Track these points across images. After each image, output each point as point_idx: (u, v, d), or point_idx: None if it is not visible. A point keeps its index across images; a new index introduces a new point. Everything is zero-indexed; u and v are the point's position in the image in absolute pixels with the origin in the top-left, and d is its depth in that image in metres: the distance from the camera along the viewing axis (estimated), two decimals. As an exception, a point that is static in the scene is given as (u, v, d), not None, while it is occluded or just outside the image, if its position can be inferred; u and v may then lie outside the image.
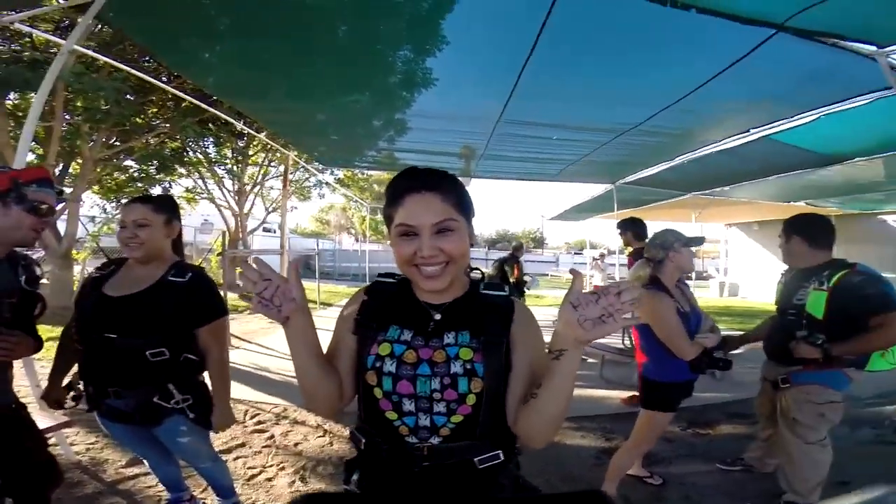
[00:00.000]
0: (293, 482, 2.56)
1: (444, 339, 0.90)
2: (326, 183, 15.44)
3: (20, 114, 6.58)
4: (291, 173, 11.73)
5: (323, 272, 13.07)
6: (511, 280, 6.21)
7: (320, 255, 15.62)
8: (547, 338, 0.89)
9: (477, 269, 1.03)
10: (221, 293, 1.85)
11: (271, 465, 2.75)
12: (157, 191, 9.36)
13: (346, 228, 31.96)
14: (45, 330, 5.35)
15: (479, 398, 0.86)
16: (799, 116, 3.56)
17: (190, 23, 2.71)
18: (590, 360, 5.01)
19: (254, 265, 0.82)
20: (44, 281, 7.56)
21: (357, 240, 28.73)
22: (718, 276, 16.56)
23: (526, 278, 6.75)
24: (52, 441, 2.64)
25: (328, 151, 6.98)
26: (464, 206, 0.91)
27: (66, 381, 1.75)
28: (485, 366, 0.87)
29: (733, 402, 4.02)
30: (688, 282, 2.51)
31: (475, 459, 0.88)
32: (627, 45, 2.66)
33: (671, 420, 2.31)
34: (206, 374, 1.75)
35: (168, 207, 1.69)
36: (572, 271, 0.88)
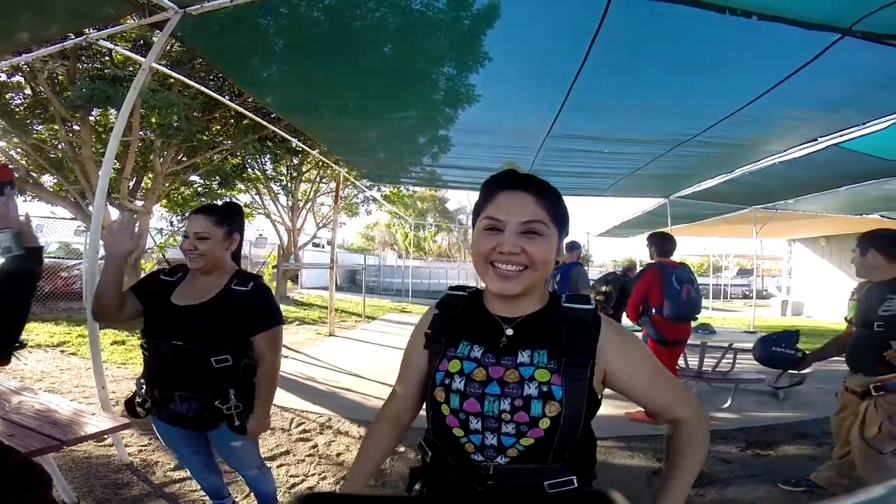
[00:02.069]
0: (333, 491, 2.58)
1: (519, 358, 0.85)
2: (374, 199, 15.88)
3: (100, 129, 7.25)
4: (342, 190, 12.16)
5: (368, 287, 13.35)
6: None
7: (366, 269, 16.01)
8: None
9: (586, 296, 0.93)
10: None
11: (313, 474, 2.78)
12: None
13: (390, 244, 32.60)
14: (110, 335, 5.71)
15: (555, 422, 0.81)
16: (871, 123, 3.34)
17: (251, 42, 2.90)
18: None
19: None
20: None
21: (400, 256, 29.21)
22: (780, 295, 15.45)
23: None
24: (108, 441, 2.80)
25: (376, 168, 7.20)
26: (558, 217, 0.87)
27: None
28: (564, 389, 0.81)
29: (797, 422, 3.78)
30: (748, 300, 2.47)
31: (545, 483, 0.84)
32: (683, 55, 2.59)
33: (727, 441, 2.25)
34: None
35: (230, 219, 1.71)
36: None
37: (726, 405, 4.09)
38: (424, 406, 0.96)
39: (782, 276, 16.64)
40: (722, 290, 23.28)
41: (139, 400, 1.66)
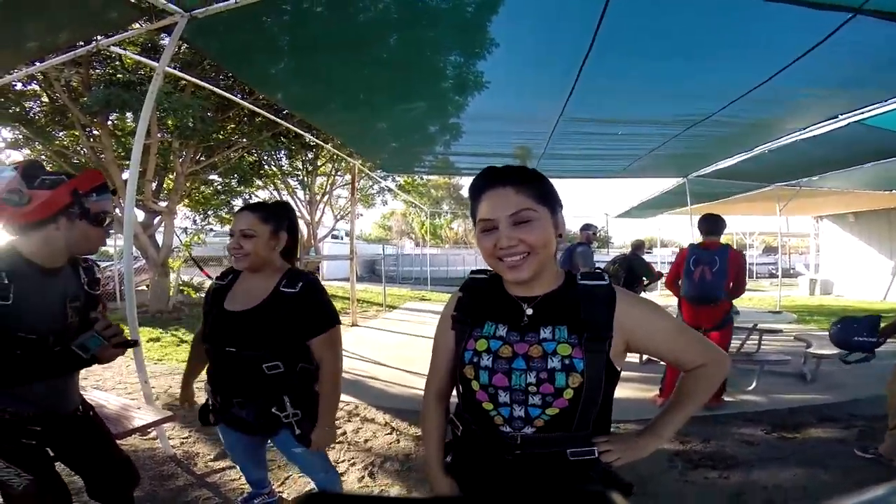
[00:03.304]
0: (362, 477, 2.66)
1: (541, 334, 0.91)
2: (389, 189, 15.95)
3: (119, 133, 7.41)
4: (357, 181, 12.27)
5: (387, 276, 13.50)
6: (651, 279, 5.73)
7: (385, 259, 16.16)
8: None
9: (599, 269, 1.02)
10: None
11: (343, 461, 2.86)
12: (238, 203, 10.11)
13: (407, 233, 32.76)
14: (145, 332, 5.91)
15: (578, 392, 0.87)
16: (893, 100, 3.27)
17: (258, 41, 2.93)
18: (661, 363, 4.73)
19: None
20: (142, 287, 8.41)
21: (417, 244, 29.35)
22: (808, 273, 14.93)
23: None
24: (152, 435, 2.93)
25: (389, 159, 7.22)
26: (544, 197, 0.91)
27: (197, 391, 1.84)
28: (585, 361, 0.87)
29: (824, 405, 3.68)
30: (774, 279, 2.43)
31: (567, 451, 0.90)
32: (693, 36, 2.55)
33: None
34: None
35: (277, 217, 1.62)
36: None
37: (751, 387, 4.02)
38: (455, 382, 1.02)
39: (810, 253, 16.03)
40: (747, 269, 22.68)
41: (210, 406, 1.65)
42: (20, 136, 6.82)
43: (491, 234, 0.90)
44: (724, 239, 3.70)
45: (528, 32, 2.64)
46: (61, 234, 1.32)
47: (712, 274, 3.51)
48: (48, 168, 1.40)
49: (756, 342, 4.80)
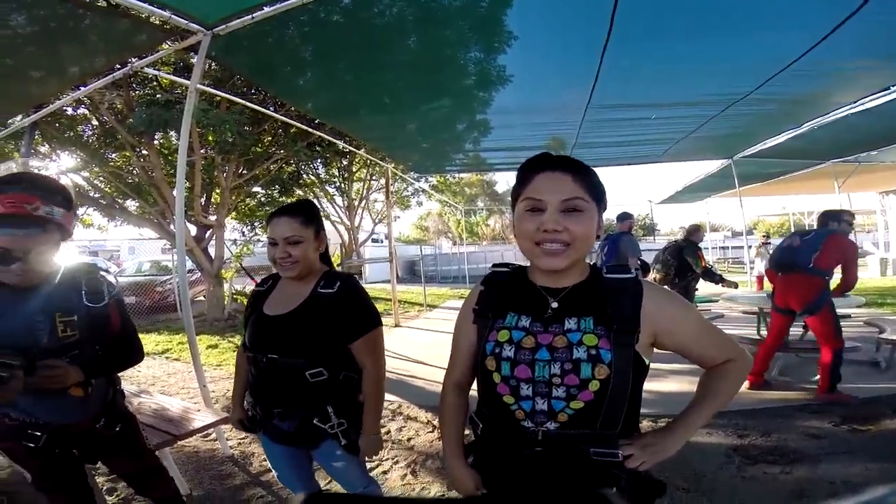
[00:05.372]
0: (405, 475, 2.70)
1: (566, 325, 0.88)
2: (423, 190, 16.07)
3: (165, 151, 7.80)
4: (391, 184, 12.46)
5: (427, 276, 13.64)
6: (698, 270, 5.14)
7: (423, 259, 16.32)
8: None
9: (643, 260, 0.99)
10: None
11: (387, 459, 2.91)
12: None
13: (444, 233, 32.88)
14: (204, 339, 6.26)
15: (605, 385, 0.84)
16: None
17: (281, 54, 3.02)
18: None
19: None
20: (200, 298, 8.84)
21: (454, 243, 29.38)
22: (878, 252, 13.73)
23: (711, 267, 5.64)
24: (212, 436, 3.10)
25: (421, 160, 7.28)
26: (596, 193, 0.90)
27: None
28: (613, 353, 0.84)
29: None
30: None
31: (591, 450, 0.86)
32: (717, 14, 2.42)
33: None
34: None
35: (316, 217, 1.57)
36: None
37: (815, 378, 3.70)
38: (476, 376, 1.00)
39: (878, 231, 14.73)
40: (856, 260, 20.90)
41: (249, 415, 1.60)
42: (77, 160, 7.23)
43: (536, 215, 0.87)
44: (780, 220, 3.53)
45: (545, 22, 2.60)
46: None
47: (801, 242, 3.37)
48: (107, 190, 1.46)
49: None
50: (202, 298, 9.28)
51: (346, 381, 1.51)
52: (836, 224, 3.44)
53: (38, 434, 1.40)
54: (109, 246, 23.55)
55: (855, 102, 3.98)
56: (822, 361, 3.36)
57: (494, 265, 1.06)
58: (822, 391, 3.37)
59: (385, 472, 2.76)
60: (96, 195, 7.80)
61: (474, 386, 1.06)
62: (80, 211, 8.05)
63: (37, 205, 1.32)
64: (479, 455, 1.00)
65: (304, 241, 1.49)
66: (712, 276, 5.30)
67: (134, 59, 3.05)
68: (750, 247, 9.53)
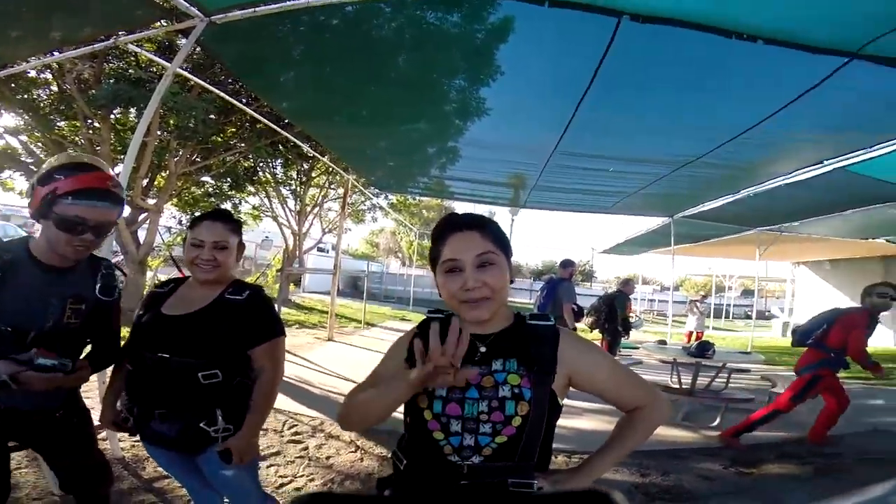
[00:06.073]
0: (320, 494, 2.61)
1: (493, 366, 0.96)
2: (380, 207, 15.97)
3: (119, 127, 7.37)
4: (349, 196, 12.33)
5: (370, 293, 13.42)
6: (622, 318, 5.78)
7: (369, 276, 16.07)
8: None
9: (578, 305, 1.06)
10: (276, 307, 1.73)
11: (302, 476, 2.82)
12: (227, 206, 10.04)
13: (395, 252, 32.66)
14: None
15: (525, 421, 0.92)
16: (878, 147, 3.37)
17: (270, 50, 2.99)
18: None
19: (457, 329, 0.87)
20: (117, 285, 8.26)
21: (404, 264, 29.24)
22: (782, 317, 15.48)
23: (632, 318, 6.42)
24: (102, 435, 2.81)
25: (384, 176, 7.28)
26: (502, 244, 1.01)
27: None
28: (532, 391, 0.93)
29: (784, 442, 3.78)
30: (749, 321, 2.46)
31: (509, 481, 0.92)
32: (690, 77, 2.65)
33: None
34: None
35: (239, 228, 1.61)
36: None
37: (715, 423, 4.14)
38: (403, 414, 1.03)
39: (786, 298, 16.59)
40: (724, 309, 23.30)
41: (123, 416, 1.49)
42: (22, 123, 6.73)
43: (456, 275, 0.97)
44: (703, 280, 3.84)
45: (533, 64, 2.74)
46: (44, 233, 1.34)
47: (810, 321, 3.73)
48: (42, 157, 1.42)
49: (724, 380, 4.90)
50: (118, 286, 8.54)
51: (240, 386, 1.48)
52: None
53: None
54: (25, 212, 21.21)
55: (790, 173, 4.31)
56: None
57: (429, 311, 1.10)
58: (727, 433, 3.70)
59: (298, 489, 2.66)
60: (29, 160, 7.18)
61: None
62: (5, 175, 7.50)
63: (116, 182, 1.39)
64: (399, 489, 1.02)
65: (230, 248, 1.53)
66: (625, 327, 5.92)
67: (123, 33, 2.90)
68: (676, 302, 10.27)
